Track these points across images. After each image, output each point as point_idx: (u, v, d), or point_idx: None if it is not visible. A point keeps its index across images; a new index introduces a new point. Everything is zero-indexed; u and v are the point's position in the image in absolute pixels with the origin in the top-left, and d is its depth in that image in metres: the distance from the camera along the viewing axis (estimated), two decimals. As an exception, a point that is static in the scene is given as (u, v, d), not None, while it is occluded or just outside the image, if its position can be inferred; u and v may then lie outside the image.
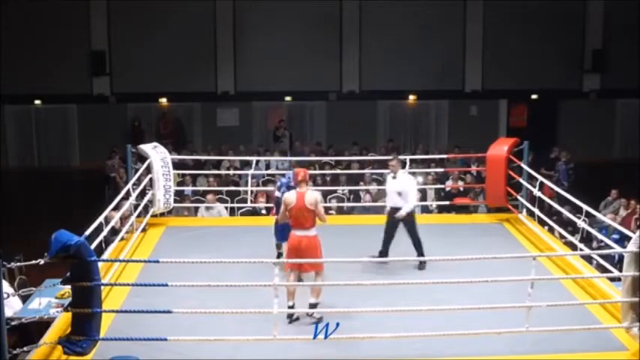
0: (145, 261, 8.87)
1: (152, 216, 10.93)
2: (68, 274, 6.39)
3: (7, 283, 8.71)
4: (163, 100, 21.09)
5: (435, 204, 13.54)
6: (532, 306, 7.01)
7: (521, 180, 11.30)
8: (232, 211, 12.95)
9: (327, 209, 13.22)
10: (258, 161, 15.87)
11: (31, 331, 7.60)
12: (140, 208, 10.59)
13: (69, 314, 6.54)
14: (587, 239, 11.31)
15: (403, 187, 9.15)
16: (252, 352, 6.92)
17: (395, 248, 9.25)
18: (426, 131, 21.78)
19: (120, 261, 8.79)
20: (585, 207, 9.62)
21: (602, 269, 9.17)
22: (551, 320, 7.17)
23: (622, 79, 20.51)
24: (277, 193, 8.96)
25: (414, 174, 13.81)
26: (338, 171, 15.70)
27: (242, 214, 12.96)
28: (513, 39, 20.90)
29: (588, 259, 9.43)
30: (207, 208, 12.45)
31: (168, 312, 6.81)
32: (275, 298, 6.87)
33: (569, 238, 10.04)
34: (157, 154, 10.97)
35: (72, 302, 6.45)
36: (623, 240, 9.70)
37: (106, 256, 8.68)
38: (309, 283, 7.72)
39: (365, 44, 20.99)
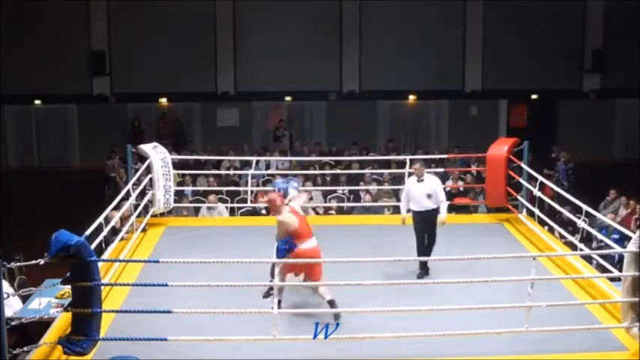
0: (145, 261, 8.87)
1: (152, 216, 10.92)
2: (68, 274, 6.39)
3: (7, 283, 8.71)
4: (163, 100, 21.09)
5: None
6: (532, 306, 7.01)
7: (521, 180, 11.30)
8: (232, 211, 12.95)
9: (327, 209, 13.29)
10: (258, 161, 15.87)
11: (31, 331, 7.60)
12: (140, 208, 10.59)
13: (69, 314, 6.54)
14: (587, 239, 11.31)
15: (433, 188, 9.09)
16: (252, 352, 6.92)
17: (395, 249, 9.24)
18: (426, 131, 21.77)
19: (120, 261, 8.79)
20: (585, 207, 9.62)
21: (602, 269, 9.17)
22: (551, 320, 7.17)
23: (622, 79, 20.51)
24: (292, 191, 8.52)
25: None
26: (338, 171, 15.69)
27: (242, 214, 12.96)
28: (513, 39, 20.90)
29: (588, 259, 9.43)
30: (209, 209, 12.46)
31: (168, 312, 6.81)
32: (275, 298, 6.87)
33: (569, 238, 10.04)
34: (156, 154, 10.96)
35: (72, 302, 6.45)
36: (623, 240, 9.70)
37: (106, 256, 8.68)
38: (309, 284, 7.73)
39: (365, 44, 21.00)
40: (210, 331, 6.98)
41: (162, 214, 11.34)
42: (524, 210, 11.32)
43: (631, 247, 7.12)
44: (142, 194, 10.81)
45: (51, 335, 6.94)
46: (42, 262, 6.25)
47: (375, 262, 8.68)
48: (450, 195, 13.85)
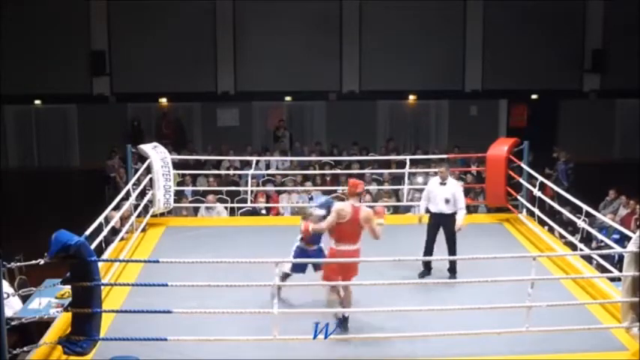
0: (145, 261, 8.87)
1: (152, 216, 10.93)
2: (68, 274, 6.39)
3: (7, 283, 8.71)
4: (163, 100, 21.08)
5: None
6: (532, 306, 7.01)
7: (521, 180, 11.30)
8: (232, 211, 12.95)
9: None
10: (258, 161, 15.87)
11: (31, 331, 7.60)
12: (140, 208, 10.59)
13: (69, 314, 6.55)
14: (587, 239, 11.31)
15: (454, 194, 9.06)
16: (252, 352, 6.93)
17: (395, 249, 9.24)
18: (426, 131, 21.76)
19: (120, 261, 8.79)
20: (585, 207, 9.63)
21: (602, 269, 9.17)
22: (551, 320, 7.18)
23: (622, 79, 20.50)
24: (318, 212, 8.08)
25: (414, 174, 13.87)
26: (338, 171, 15.69)
27: (242, 214, 12.96)
28: (513, 39, 20.89)
29: (588, 259, 9.43)
30: (208, 209, 12.46)
31: (168, 312, 6.82)
32: (275, 298, 6.88)
33: (569, 238, 10.04)
34: (156, 154, 10.97)
35: (72, 302, 6.45)
36: (623, 240, 9.71)
37: (106, 256, 8.69)
38: (320, 283, 7.74)
39: (365, 44, 20.98)
40: (210, 331, 6.98)
41: (162, 214, 11.34)
42: (524, 210, 11.32)
43: (631, 247, 7.12)
44: (142, 194, 10.82)
45: (51, 335, 6.95)
46: (42, 262, 6.25)
47: (375, 262, 8.68)
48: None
